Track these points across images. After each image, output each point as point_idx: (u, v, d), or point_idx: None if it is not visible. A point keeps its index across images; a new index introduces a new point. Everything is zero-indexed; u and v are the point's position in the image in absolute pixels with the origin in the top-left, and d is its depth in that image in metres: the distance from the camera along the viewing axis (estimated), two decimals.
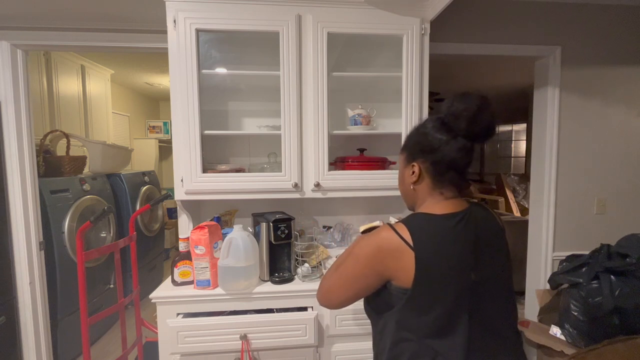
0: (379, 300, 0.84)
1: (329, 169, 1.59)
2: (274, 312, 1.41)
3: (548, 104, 2.06)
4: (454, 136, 0.79)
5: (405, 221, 0.79)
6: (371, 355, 1.42)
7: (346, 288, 0.84)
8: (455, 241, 0.77)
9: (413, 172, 0.85)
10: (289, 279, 1.47)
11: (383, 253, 0.77)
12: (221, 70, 1.63)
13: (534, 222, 2.20)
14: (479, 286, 0.77)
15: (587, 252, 1.49)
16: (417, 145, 0.85)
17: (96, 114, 3.27)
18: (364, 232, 1.41)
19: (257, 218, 1.55)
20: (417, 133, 0.86)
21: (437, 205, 0.82)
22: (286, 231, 1.46)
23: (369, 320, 1.40)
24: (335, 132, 1.65)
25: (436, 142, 0.81)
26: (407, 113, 1.59)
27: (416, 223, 0.78)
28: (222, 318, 1.35)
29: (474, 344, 0.76)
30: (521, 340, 0.87)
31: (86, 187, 2.52)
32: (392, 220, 1.67)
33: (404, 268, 0.75)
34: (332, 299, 0.88)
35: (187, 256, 1.45)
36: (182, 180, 1.51)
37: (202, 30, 1.48)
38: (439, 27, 1.80)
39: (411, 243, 0.75)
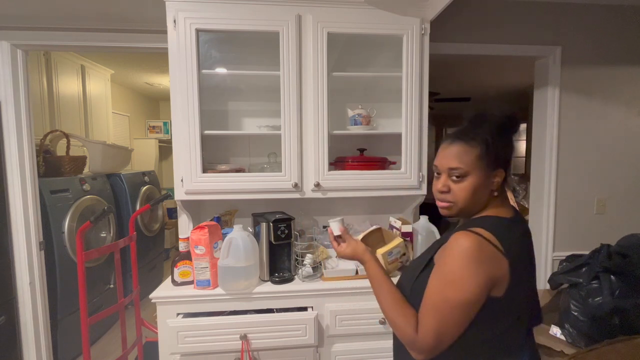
0: None
1: (329, 169, 1.59)
2: (274, 312, 1.41)
3: (548, 104, 2.06)
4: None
5: (484, 226, 0.73)
6: (371, 355, 1.43)
7: (462, 319, 0.71)
8: (528, 244, 0.80)
9: (496, 177, 0.79)
10: (289, 279, 1.47)
11: (484, 262, 0.69)
12: (221, 70, 1.63)
13: (534, 222, 2.20)
14: (532, 285, 0.84)
15: (587, 252, 1.49)
16: (502, 152, 0.79)
17: (96, 114, 3.27)
18: (364, 239, 1.41)
19: (257, 218, 1.55)
20: (499, 139, 0.78)
21: (501, 208, 0.80)
22: (286, 231, 1.46)
23: (369, 321, 1.41)
24: (335, 132, 1.65)
25: (512, 148, 0.82)
26: (407, 113, 1.59)
27: (498, 228, 0.74)
28: (222, 318, 1.35)
29: (528, 335, 0.81)
30: None
31: (86, 187, 2.52)
32: (392, 220, 1.68)
33: (499, 276, 0.70)
34: (448, 340, 0.72)
35: (187, 256, 1.45)
36: (182, 180, 1.51)
37: (202, 30, 1.48)
38: (439, 27, 1.80)
39: (502, 249, 0.70)
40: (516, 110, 0.82)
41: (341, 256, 0.98)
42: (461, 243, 0.70)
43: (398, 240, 1.35)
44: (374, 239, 1.50)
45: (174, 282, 1.45)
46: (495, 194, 0.79)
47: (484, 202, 0.80)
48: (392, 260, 1.34)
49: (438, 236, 1.54)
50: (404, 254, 1.41)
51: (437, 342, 0.71)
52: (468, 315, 0.70)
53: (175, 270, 1.44)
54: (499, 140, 0.78)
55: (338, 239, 1.00)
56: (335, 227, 1.00)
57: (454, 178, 0.78)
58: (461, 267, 0.69)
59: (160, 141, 4.74)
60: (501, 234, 0.72)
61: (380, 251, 1.30)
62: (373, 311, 1.40)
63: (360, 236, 1.45)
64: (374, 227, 1.51)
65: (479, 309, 0.70)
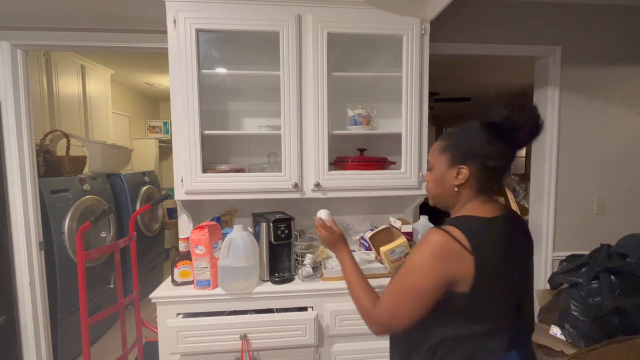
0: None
1: (329, 169, 1.59)
2: (274, 312, 1.41)
3: (548, 104, 2.06)
4: (508, 145, 0.80)
5: (456, 224, 0.77)
6: (371, 355, 1.43)
7: (413, 307, 0.77)
8: (506, 244, 0.78)
9: (458, 175, 0.83)
10: (289, 279, 1.47)
11: (445, 258, 0.74)
12: (221, 70, 1.63)
13: (534, 222, 2.20)
14: (520, 287, 0.82)
15: (587, 252, 1.49)
16: (468, 150, 0.82)
17: (96, 114, 3.27)
18: (372, 237, 1.41)
19: (257, 218, 1.55)
20: (469, 137, 0.83)
21: (482, 208, 0.82)
22: (286, 231, 1.46)
23: None
24: (335, 132, 1.65)
25: (492, 150, 0.80)
26: (407, 113, 1.59)
27: (470, 226, 0.77)
28: (222, 318, 1.35)
29: (513, 341, 0.79)
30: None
31: (86, 187, 2.52)
32: (392, 220, 1.68)
33: (463, 272, 0.74)
34: (400, 319, 0.78)
35: (187, 256, 1.45)
36: (182, 180, 1.51)
37: (202, 30, 1.48)
38: (439, 27, 1.80)
39: (469, 247, 0.74)
40: (513, 113, 0.77)
41: (324, 241, 1.09)
42: (428, 238, 0.77)
43: (402, 239, 1.35)
44: (383, 237, 1.50)
45: (174, 282, 1.45)
46: (457, 189, 0.84)
47: (454, 197, 0.85)
48: (395, 259, 1.34)
49: None
50: (407, 254, 1.41)
51: (389, 318, 0.80)
52: (422, 302, 0.76)
53: (175, 270, 1.44)
54: (465, 136, 0.84)
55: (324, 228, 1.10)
56: (324, 215, 1.15)
57: (428, 170, 0.92)
58: (423, 259, 0.76)
59: (160, 141, 4.74)
60: (472, 232, 0.75)
61: (383, 249, 1.31)
62: None
63: (370, 234, 1.45)
64: (384, 226, 1.51)
65: (433, 300, 0.76)
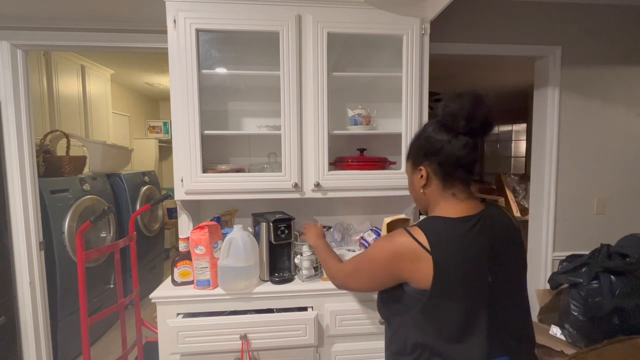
0: (394, 302, 0.85)
1: (329, 169, 1.59)
2: (274, 312, 1.41)
3: (548, 104, 2.06)
4: (454, 135, 0.81)
5: (421, 225, 0.81)
6: (371, 355, 1.43)
7: (362, 282, 0.90)
8: (471, 245, 0.78)
9: (421, 176, 0.87)
10: (289, 279, 1.47)
11: (399, 258, 0.79)
12: (221, 70, 1.63)
13: (534, 222, 2.21)
14: (496, 288, 0.79)
15: (587, 252, 1.49)
16: (421, 150, 0.87)
17: (96, 114, 3.27)
18: (390, 224, 1.42)
19: (257, 218, 1.55)
20: (419, 138, 0.89)
21: (452, 208, 0.83)
22: (286, 231, 1.46)
23: (369, 321, 1.41)
24: (335, 132, 1.65)
25: (438, 143, 0.82)
26: (407, 113, 1.59)
27: (432, 227, 0.80)
28: (222, 318, 1.35)
29: (494, 345, 0.77)
30: (534, 341, 0.88)
31: (86, 187, 2.52)
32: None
33: (421, 271, 0.76)
34: (349, 288, 1.00)
35: (187, 256, 1.45)
36: (182, 180, 1.51)
37: (202, 30, 1.48)
38: (439, 27, 1.80)
39: (428, 247, 0.76)
40: (449, 104, 0.80)
41: (311, 234, 1.31)
42: (393, 237, 0.82)
43: (404, 215, 1.40)
44: (399, 226, 1.49)
45: (174, 282, 1.45)
46: (423, 190, 0.88)
47: (425, 199, 0.89)
48: None
49: None
50: None
51: (346, 280, 0.97)
52: (371, 283, 0.88)
53: (175, 270, 1.44)
54: (416, 138, 0.89)
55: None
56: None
57: None
58: (380, 253, 0.83)
59: (160, 141, 4.74)
60: (432, 233, 0.78)
61: (387, 220, 1.34)
62: (373, 311, 1.40)
63: (389, 219, 1.44)
64: (403, 215, 1.51)
65: (383, 286, 0.86)
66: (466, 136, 0.80)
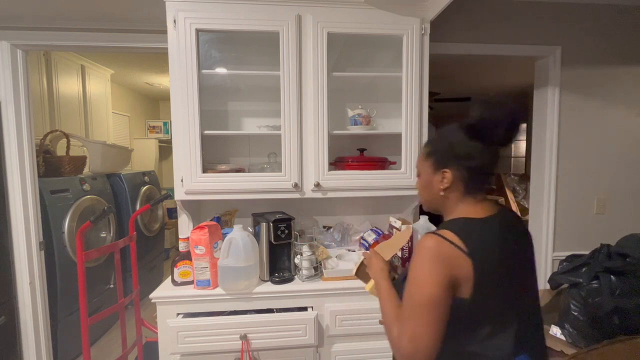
0: None
1: (329, 169, 1.59)
2: (274, 312, 1.41)
3: (548, 104, 2.06)
4: (490, 144, 0.79)
5: (449, 227, 0.76)
6: (371, 355, 1.43)
7: (431, 319, 0.71)
8: (500, 244, 0.77)
9: (443, 179, 0.84)
10: (289, 279, 1.47)
11: (443, 261, 0.72)
12: (221, 70, 1.63)
13: (534, 222, 2.20)
14: (521, 287, 0.80)
15: (587, 252, 1.49)
16: (448, 153, 0.83)
17: (96, 114, 3.27)
18: (358, 269, 1.32)
19: (257, 218, 1.55)
20: (445, 140, 0.85)
21: (473, 208, 0.82)
22: (286, 231, 1.46)
23: (369, 321, 1.41)
24: (335, 132, 1.65)
25: (472, 149, 0.80)
26: (407, 113, 1.59)
27: (464, 228, 0.76)
28: (222, 318, 1.35)
29: (524, 340, 0.77)
30: (545, 342, 0.89)
31: (86, 187, 2.52)
32: (392, 220, 1.68)
33: (463, 275, 0.72)
34: (423, 342, 0.70)
35: (187, 256, 1.45)
36: (182, 180, 1.51)
37: (202, 30, 1.48)
38: (439, 27, 1.80)
39: (465, 249, 0.72)
40: (489, 112, 0.76)
41: (368, 263, 1.03)
42: (422, 244, 0.75)
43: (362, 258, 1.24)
44: (362, 269, 1.41)
45: (174, 282, 1.45)
46: (443, 192, 0.84)
47: (442, 201, 0.86)
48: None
49: None
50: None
51: (412, 344, 0.71)
52: (436, 314, 0.71)
53: (175, 270, 1.44)
54: (444, 139, 0.85)
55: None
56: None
57: (417, 177, 0.94)
58: (422, 267, 0.73)
59: (160, 141, 4.73)
60: (466, 234, 0.74)
61: (368, 286, 1.22)
62: (373, 311, 1.40)
63: (354, 270, 1.34)
64: (362, 258, 1.38)
65: (447, 308, 0.71)
66: (500, 146, 0.80)
